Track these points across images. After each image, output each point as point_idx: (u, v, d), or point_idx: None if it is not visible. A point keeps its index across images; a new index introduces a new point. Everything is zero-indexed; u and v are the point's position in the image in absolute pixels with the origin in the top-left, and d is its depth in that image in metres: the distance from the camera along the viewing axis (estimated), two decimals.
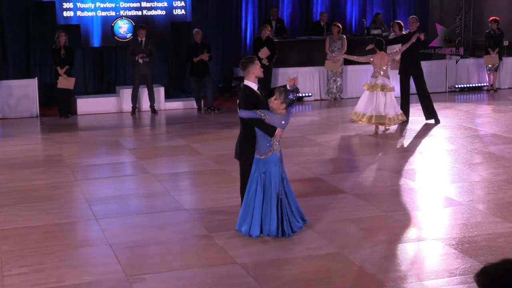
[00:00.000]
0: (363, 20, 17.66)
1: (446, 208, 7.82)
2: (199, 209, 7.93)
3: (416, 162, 10.08)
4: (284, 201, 6.77)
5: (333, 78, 15.53)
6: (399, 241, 6.76)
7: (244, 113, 6.71)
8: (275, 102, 6.59)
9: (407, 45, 12.04)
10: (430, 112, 12.64)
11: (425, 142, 11.28)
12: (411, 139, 11.54)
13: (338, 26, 15.37)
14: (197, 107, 14.88)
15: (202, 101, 14.81)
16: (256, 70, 6.86)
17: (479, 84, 16.74)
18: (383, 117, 11.64)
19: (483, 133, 11.89)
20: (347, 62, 15.72)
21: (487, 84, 16.64)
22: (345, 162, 10.06)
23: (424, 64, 15.98)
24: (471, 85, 16.69)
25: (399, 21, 13.93)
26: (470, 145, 10.93)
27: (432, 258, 6.39)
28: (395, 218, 7.42)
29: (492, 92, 16.40)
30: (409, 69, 12.43)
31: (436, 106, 14.46)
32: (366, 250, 6.49)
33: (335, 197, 8.22)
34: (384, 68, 11.72)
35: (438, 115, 12.74)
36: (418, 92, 12.71)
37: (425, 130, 12.10)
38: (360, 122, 11.97)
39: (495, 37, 16.27)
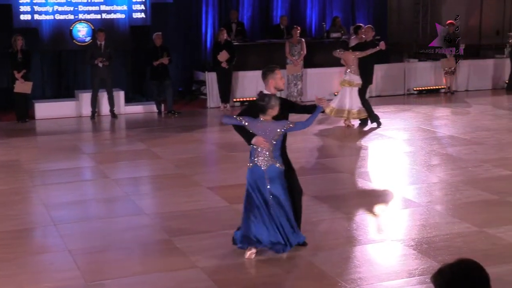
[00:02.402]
0: (323, 23, 17.75)
1: (405, 209, 7.91)
2: (159, 213, 7.89)
3: (375, 164, 10.18)
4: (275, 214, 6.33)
5: (294, 81, 15.59)
6: (359, 243, 6.81)
7: (226, 120, 6.51)
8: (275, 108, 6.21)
9: (372, 51, 12.25)
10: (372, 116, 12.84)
11: (384, 144, 11.39)
12: (370, 141, 11.64)
13: (298, 29, 15.45)
14: (157, 111, 14.80)
15: (162, 105, 14.75)
16: (275, 80, 6.51)
17: (437, 87, 16.96)
18: (342, 111, 12.56)
19: (441, 135, 12.05)
20: (307, 65, 15.81)
21: (445, 86, 16.87)
22: (305, 165, 10.11)
23: (383, 67, 16.28)
24: (429, 88, 16.90)
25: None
26: (428, 147, 11.07)
27: (391, 259, 6.45)
28: (355, 220, 7.48)
29: (449, 95, 16.63)
30: (361, 76, 12.51)
31: (394, 108, 14.70)
32: (326, 252, 6.52)
33: None
34: (352, 65, 12.44)
35: (381, 118, 12.88)
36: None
37: (384, 132, 12.22)
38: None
39: (451, 40, 16.49)
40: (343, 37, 16.65)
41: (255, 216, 6.33)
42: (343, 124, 12.84)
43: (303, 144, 11.45)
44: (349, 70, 12.52)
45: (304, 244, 6.60)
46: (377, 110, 13.04)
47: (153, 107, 14.88)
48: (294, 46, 15.40)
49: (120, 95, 14.73)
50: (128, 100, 15.19)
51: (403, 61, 17.10)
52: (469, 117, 13.78)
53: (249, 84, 15.46)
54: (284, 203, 6.35)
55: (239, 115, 6.44)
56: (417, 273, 6.00)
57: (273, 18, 17.77)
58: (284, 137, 6.43)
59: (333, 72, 15.46)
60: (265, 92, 6.49)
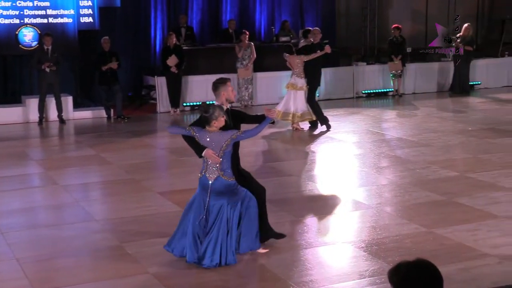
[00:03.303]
0: (272, 27, 17.84)
1: (355, 211, 8.00)
2: (110, 220, 7.81)
3: (325, 167, 10.26)
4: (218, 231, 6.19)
5: (245, 85, 15.63)
6: (310, 245, 6.85)
7: (173, 130, 6.46)
8: (221, 119, 6.14)
9: (318, 54, 12.41)
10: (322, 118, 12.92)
11: (333, 146, 11.49)
12: (320, 144, 11.73)
13: (247, 34, 15.51)
14: (106, 116, 14.66)
15: (112, 110, 14.62)
16: (227, 92, 6.47)
17: (385, 90, 17.19)
18: (288, 114, 12.67)
19: (390, 137, 12.22)
20: (257, 69, 15.87)
21: (392, 89, 17.12)
22: (256, 168, 10.13)
23: (332, 71, 16.45)
24: (377, 91, 17.12)
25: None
26: (377, 149, 11.21)
27: (342, 261, 6.51)
28: (306, 223, 7.54)
29: (397, 97, 16.88)
30: (310, 78, 12.64)
31: (344, 111, 14.85)
32: (278, 255, 6.55)
33: None
34: (296, 69, 12.56)
35: (330, 121, 12.98)
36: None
37: (333, 135, 12.33)
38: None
39: (398, 44, 16.77)
40: (292, 41, 16.76)
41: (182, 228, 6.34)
42: (291, 127, 12.92)
43: (253, 148, 11.47)
44: (294, 73, 12.69)
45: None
46: (327, 113, 13.15)
47: (102, 112, 14.73)
48: (245, 51, 15.44)
49: (68, 100, 14.54)
50: (77, 105, 15.00)
51: (352, 65, 17.29)
52: (417, 119, 14.00)
53: (199, 88, 15.44)
54: (228, 218, 6.18)
55: (192, 125, 6.37)
56: (368, 275, 6.07)
57: (223, 22, 17.78)
58: (235, 148, 6.36)
59: (283, 76, 15.54)
60: (214, 103, 6.42)
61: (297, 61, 12.53)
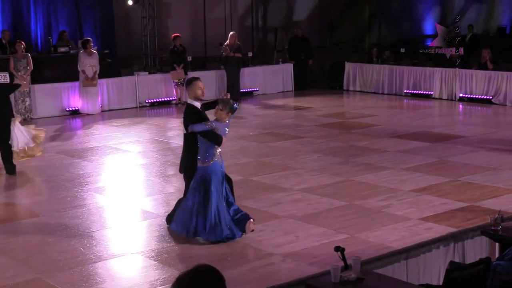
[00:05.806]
0: (49, 37, 17.29)
1: (144, 221, 7.98)
2: None
3: (111, 178, 10.11)
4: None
5: (21, 98, 14.96)
6: (100, 259, 6.73)
7: (196, 127, 7.01)
8: (220, 112, 7.04)
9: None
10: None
11: (118, 157, 11.35)
12: (105, 156, 11.52)
13: (22, 44, 14.87)
14: None
15: None
16: (193, 91, 7.30)
17: (168, 98, 17.32)
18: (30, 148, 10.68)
19: (175, 146, 12.30)
20: (35, 81, 15.29)
21: (175, 98, 17.30)
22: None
23: (113, 81, 16.31)
24: (160, 100, 17.21)
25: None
26: (163, 157, 11.27)
27: (133, 271, 6.47)
28: (94, 236, 7.38)
29: (180, 106, 17.07)
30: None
31: (128, 121, 14.75)
32: (66, 272, 6.35)
33: (27, 222, 7.93)
34: None
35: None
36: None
37: (118, 146, 12.17)
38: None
39: (179, 53, 16.99)
40: (71, 51, 16.39)
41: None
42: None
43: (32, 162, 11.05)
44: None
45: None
46: (110, 124, 12.99)
47: None
48: (19, 61, 14.79)
49: None
50: None
51: (134, 74, 17.21)
52: None
53: None
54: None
55: (209, 121, 7.13)
56: (159, 283, 6.09)
57: None
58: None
59: (63, 87, 15.19)
60: (189, 101, 7.34)
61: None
